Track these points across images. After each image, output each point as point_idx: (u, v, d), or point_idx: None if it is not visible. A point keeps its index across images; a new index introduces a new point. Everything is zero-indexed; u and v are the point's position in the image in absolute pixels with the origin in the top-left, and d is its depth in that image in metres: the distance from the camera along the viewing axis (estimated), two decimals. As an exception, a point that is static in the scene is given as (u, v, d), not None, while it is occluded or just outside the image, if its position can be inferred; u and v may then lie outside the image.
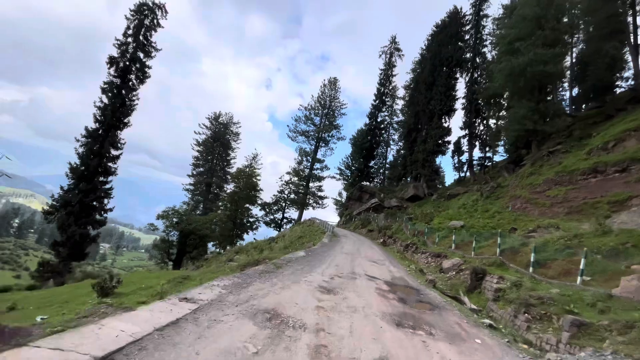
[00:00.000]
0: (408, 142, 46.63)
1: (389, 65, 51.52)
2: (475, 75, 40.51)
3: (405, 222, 25.28)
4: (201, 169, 63.76)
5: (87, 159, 22.09)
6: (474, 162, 41.89)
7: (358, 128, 50.76)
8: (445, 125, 41.62)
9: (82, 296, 9.78)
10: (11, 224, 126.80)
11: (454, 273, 13.33)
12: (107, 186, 23.79)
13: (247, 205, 51.49)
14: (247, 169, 58.09)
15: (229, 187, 56.99)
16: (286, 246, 21.63)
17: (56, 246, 21.09)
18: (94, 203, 22.43)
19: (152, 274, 13.89)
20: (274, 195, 57.04)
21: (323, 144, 58.95)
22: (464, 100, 41.87)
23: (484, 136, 41.26)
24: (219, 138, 65.49)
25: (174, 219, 32.36)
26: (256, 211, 55.27)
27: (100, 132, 22.92)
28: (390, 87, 54.01)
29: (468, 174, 43.92)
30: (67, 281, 20.03)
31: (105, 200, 23.82)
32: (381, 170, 58.47)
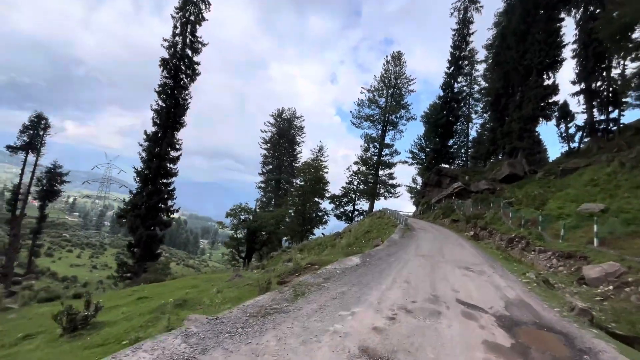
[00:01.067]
0: (496, 111, 38.32)
1: (464, 23, 43.23)
2: (591, 8, 30.33)
3: (503, 208, 19.45)
4: (270, 166, 64.97)
5: (149, 162, 22.85)
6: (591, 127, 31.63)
7: (430, 102, 44.03)
8: (549, 82, 32.46)
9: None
10: None
11: (610, 288, 8.19)
12: (170, 188, 24.44)
13: (316, 199, 50.02)
14: (314, 162, 56.83)
15: (297, 182, 56.39)
16: (349, 243, 18.42)
17: (130, 247, 22.34)
18: (160, 205, 23.13)
19: (189, 282, 12.42)
20: (342, 187, 54.45)
21: (391, 127, 53.54)
22: (574, 47, 31.99)
23: (605, 92, 30.71)
24: (284, 134, 65.74)
25: (241, 216, 32.19)
26: (326, 205, 53.59)
27: (159, 134, 23.54)
28: (467, 50, 45.51)
29: (581, 144, 33.90)
30: (140, 282, 20.59)
31: (170, 202, 24.48)
32: (462, 150, 50.31)
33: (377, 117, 53.23)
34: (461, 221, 24.42)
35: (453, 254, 11.79)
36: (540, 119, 32.96)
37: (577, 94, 31.77)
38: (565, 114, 36.14)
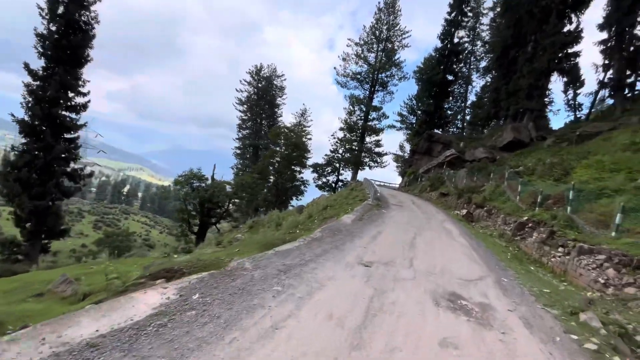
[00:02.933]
0: (502, 66, 32.28)
1: (472, -43, 35.72)
2: None
3: (509, 179, 14.41)
4: (247, 131, 58.71)
5: (35, 109, 16.76)
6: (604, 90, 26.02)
7: (426, 56, 37.44)
8: (571, 27, 26.35)
9: None
10: (122, 192, 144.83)
11: None
12: (72, 145, 18.44)
13: (295, 167, 44.88)
14: (296, 127, 51.19)
15: (276, 149, 50.23)
16: (296, 224, 13.40)
17: (19, 222, 16.80)
18: (55, 167, 17.28)
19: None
20: (326, 155, 49.08)
21: (380, 88, 47.05)
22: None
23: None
24: (263, 95, 58.73)
25: (194, 184, 26.83)
26: (308, 174, 48.75)
27: (49, 70, 17.13)
28: (473, -6, 38.27)
29: (592, 110, 29.05)
30: (31, 267, 15.54)
31: (73, 164, 18.55)
32: (459, 117, 44.54)
33: (365, 75, 46.60)
34: (451, 195, 19.50)
35: (432, 254, 6.74)
36: (556, 74, 27.25)
37: (604, 42, 25.78)
38: (574, 79, 30.65)
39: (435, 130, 34.27)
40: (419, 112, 36.86)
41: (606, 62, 26.40)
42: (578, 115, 33.76)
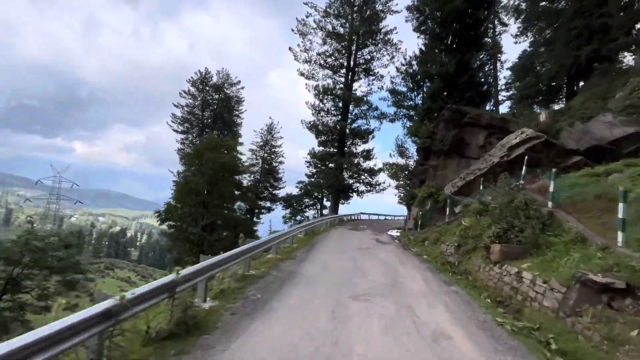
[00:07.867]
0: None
1: None
2: None
3: None
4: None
5: None
6: None
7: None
8: None
9: None
10: (119, 243, 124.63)
11: None
12: None
13: (228, 203, 28.19)
14: (265, 149, 36.76)
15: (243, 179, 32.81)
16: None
17: None
18: None
19: None
20: (299, 182, 32.41)
21: (361, 72, 31.10)
22: None
23: None
24: (215, 109, 43.34)
25: None
26: (278, 212, 32.83)
27: None
28: None
29: None
30: None
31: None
32: (490, 102, 27.63)
33: (338, 54, 30.90)
34: None
35: None
36: None
37: None
38: None
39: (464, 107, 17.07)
40: (426, 79, 19.71)
41: None
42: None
